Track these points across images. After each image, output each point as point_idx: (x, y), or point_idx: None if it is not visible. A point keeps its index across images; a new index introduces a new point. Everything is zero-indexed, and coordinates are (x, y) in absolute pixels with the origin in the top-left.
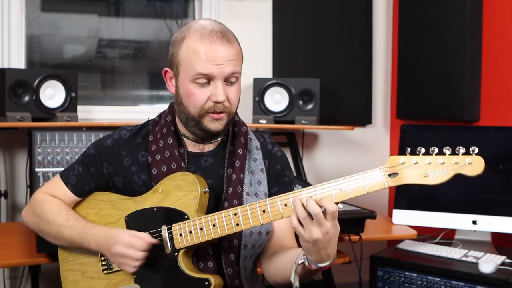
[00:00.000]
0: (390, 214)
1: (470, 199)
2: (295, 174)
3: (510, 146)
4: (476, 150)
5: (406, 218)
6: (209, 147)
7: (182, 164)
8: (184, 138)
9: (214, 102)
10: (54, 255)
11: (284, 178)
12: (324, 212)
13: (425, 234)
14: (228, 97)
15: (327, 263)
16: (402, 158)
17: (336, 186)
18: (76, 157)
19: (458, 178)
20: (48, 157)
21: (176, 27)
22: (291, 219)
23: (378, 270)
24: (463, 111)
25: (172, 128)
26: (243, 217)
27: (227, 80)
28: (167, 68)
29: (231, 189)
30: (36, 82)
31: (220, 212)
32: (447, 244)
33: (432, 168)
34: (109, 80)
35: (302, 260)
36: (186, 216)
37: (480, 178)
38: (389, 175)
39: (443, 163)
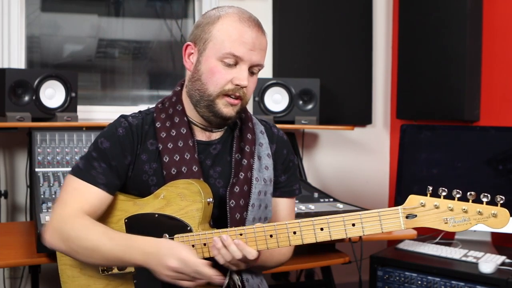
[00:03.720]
0: None
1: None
2: None
3: (510, 146)
4: (503, 200)
5: None
6: (216, 135)
7: (195, 155)
8: (193, 126)
9: (236, 85)
10: (54, 255)
11: (290, 164)
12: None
13: (425, 234)
14: (247, 85)
15: None
16: (422, 200)
17: (349, 221)
18: (77, 157)
19: (458, 175)
20: (48, 157)
21: (176, 27)
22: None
23: (378, 270)
24: (463, 111)
25: (185, 118)
26: (248, 239)
27: (250, 69)
28: (190, 43)
29: (242, 174)
30: (36, 82)
31: (225, 229)
32: (447, 244)
33: (453, 214)
34: (109, 80)
35: None
36: (189, 228)
37: (480, 178)
38: (407, 217)
39: (465, 211)
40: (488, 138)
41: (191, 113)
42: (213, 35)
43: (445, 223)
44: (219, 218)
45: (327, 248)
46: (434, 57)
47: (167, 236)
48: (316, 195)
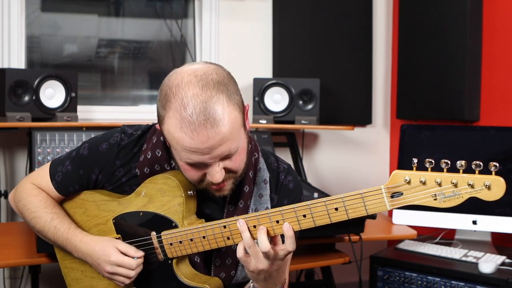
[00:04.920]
0: (390, 214)
1: (470, 199)
2: None
3: (510, 146)
4: (497, 168)
5: (406, 218)
6: None
7: None
8: None
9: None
10: (54, 255)
11: None
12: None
13: (425, 234)
14: (228, 168)
15: None
16: (407, 176)
17: (332, 205)
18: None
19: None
20: (48, 157)
21: (176, 27)
22: (238, 249)
23: (378, 270)
24: (463, 111)
25: (161, 138)
26: (233, 231)
27: (224, 158)
28: (158, 128)
29: None
30: (36, 82)
31: (209, 223)
32: (447, 244)
33: (442, 189)
34: (109, 80)
35: None
36: (174, 224)
37: None
38: (392, 196)
39: (455, 185)
40: (488, 138)
41: None
42: (167, 138)
43: (434, 199)
44: (204, 266)
45: (327, 248)
46: (434, 57)
47: (155, 233)
48: (316, 195)
